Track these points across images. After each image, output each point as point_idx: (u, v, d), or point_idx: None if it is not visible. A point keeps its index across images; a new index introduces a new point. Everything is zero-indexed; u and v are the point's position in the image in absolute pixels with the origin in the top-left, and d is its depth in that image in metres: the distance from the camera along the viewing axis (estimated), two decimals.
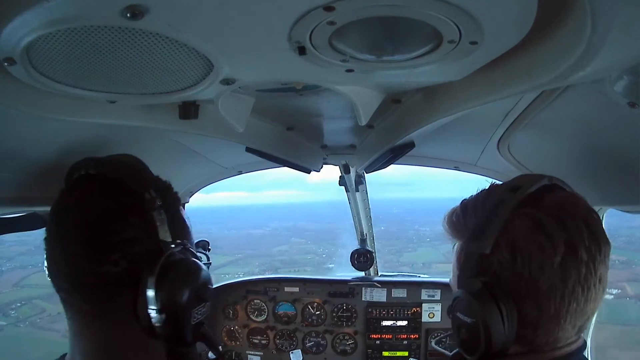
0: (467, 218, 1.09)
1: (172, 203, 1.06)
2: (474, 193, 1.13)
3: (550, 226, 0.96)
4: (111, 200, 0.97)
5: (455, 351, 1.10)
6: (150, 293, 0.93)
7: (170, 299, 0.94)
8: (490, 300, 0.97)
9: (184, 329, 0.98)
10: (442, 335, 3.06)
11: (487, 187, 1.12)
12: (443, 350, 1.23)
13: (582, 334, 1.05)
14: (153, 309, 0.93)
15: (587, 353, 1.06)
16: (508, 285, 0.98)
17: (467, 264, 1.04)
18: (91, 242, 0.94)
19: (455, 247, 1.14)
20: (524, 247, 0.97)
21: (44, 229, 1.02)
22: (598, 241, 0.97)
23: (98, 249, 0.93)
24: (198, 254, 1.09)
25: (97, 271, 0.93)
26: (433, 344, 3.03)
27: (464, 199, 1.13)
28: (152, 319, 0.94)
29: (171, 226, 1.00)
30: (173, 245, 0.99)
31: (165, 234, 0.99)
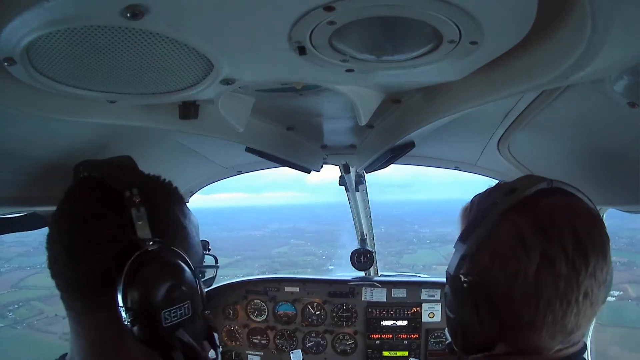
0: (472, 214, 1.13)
1: (160, 201, 1.04)
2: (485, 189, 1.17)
3: (529, 236, 0.96)
4: (92, 200, 0.99)
5: (449, 342, 1.14)
6: (120, 292, 0.91)
7: (138, 299, 0.91)
8: (469, 299, 0.99)
9: (155, 331, 0.93)
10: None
11: (493, 185, 1.15)
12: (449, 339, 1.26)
13: (582, 340, 1.04)
14: (121, 307, 0.90)
15: (587, 355, 1.06)
16: (487, 288, 1.00)
17: (454, 261, 1.06)
18: (77, 241, 0.95)
19: None
20: (503, 254, 0.99)
21: (44, 228, 1.03)
22: (586, 254, 0.95)
23: (83, 247, 0.95)
24: (206, 255, 1.08)
25: (79, 268, 0.94)
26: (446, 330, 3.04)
27: (477, 194, 1.16)
28: (123, 319, 0.91)
29: (154, 224, 0.97)
30: (151, 243, 0.95)
31: (144, 232, 0.95)
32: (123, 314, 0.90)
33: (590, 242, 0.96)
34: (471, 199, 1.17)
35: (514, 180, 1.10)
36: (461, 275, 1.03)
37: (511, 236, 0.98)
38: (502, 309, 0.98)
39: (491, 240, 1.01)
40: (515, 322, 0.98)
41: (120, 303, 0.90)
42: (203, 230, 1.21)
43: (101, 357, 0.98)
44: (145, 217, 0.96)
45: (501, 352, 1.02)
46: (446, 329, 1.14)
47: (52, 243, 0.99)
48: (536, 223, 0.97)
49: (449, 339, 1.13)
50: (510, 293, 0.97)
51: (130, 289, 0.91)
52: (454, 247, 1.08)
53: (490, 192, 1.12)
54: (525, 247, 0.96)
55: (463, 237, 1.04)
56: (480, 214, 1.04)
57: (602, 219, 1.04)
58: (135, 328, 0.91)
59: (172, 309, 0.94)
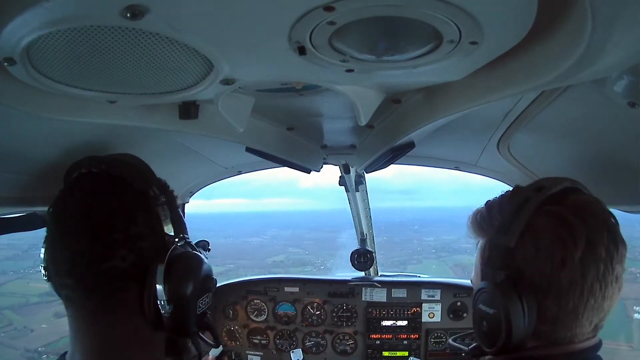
0: (493, 217, 1.13)
1: (173, 200, 1.09)
2: (498, 195, 1.18)
3: (573, 222, 0.99)
4: (116, 198, 0.99)
5: (473, 345, 1.14)
6: (159, 285, 0.97)
7: (179, 290, 0.99)
8: (513, 292, 1.00)
9: (190, 318, 1.03)
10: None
11: (510, 190, 1.16)
12: (460, 346, 1.25)
13: (598, 334, 1.07)
14: (162, 300, 0.97)
15: None
16: (531, 279, 1.01)
17: (492, 257, 1.07)
18: (97, 239, 0.95)
19: (479, 244, 1.18)
20: (548, 242, 1.00)
21: (43, 229, 1.02)
22: (616, 241, 1.01)
23: (104, 245, 0.95)
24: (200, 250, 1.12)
25: (103, 267, 0.94)
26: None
27: (489, 200, 1.18)
28: (160, 310, 0.97)
29: (173, 222, 1.04)
30: (177, 240, 1.04)
31: (168, 229, 1.03)
32: (162, 306, 0.97)
33: (617, 231, 1.03)
34: (485, 204, 1.17)
35: (535, 181, 1.13)
36: (504, 269, 1.04)
37: (554, 225, 1.00)
38: (545, 300, 1.00)
39: (531, 232, 1.02)
40: (559, 312, 1.00)
41: (161, 296, 0.97)
42: (199, 236, 1.25)
43: (105, 353, 0.98)
44: (168, 215, 1.04)
45: (535, 346, 1.04)
46: (475, 330, 1.11)
47: (56, 241, 0.98)
48: (575, 212, 1.01)
49: (478, 340, 1.10)
50: (557, 280, 0.99)
51: (172, 281, 0.98)
52: (490, 242, 1.09)
53: (514, 192, 1.14)
54: (572, 233, 0.98)
55: (501, 231, 1.06)
56: (515, 209, 1.05)
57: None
58: (171, 319, 0.99)
59: (203, 298, 1.06)
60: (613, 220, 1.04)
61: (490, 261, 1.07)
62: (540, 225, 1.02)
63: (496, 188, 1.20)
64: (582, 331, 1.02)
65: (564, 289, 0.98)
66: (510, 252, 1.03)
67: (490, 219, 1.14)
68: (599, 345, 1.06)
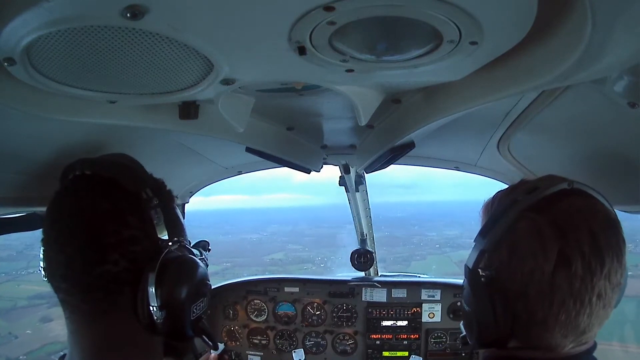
0: (488, 212, 1.15)
1: (167, 201, 1.07)
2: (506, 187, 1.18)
3: (547, 234, 0.97)
4: (107, 201, 0.97)
5: (463, 335, 1.16)
6: (151, 290, 0.94)
7: (171, 295, 0.96)
8: (485, 293, 1.02)
9: (184, 324, 1.01)
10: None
11: (513, 185, 1.16)
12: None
13: (588, 342, 1.04)
14: (154, 306, 0.95)
15: None
16: (504, 283, 1.02)
17: (473, 256, 1.07)
18: (89, 243, 0.94)
19: None
20: (520, 251, 1.00)
21: (41, 230, 1.01)
22: (602, 256, 0.95)
23: (96, 249, 0.94)
24: (197, 253, 1.10)
25: (96, 271, 0.93)
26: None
27: (499, 190, 1.18)
28: (153, 315, 0.95)
29: (167, 224, 1.03)
30: (170, 243, 1.01)
31: (162, 232, 1.01)
32: (155, 311, 0.95)
33: (606, 245, 0.97)
34: (494, 194, 1.18)
35: (536, 179, 1.11)
36: (479, 270, 1.05)
37: (530, 234, 0.99)
38: (516, 305, 1.00)
39: (510, 237, 1.02)
40: (529, 320, 0.99)
41: (154, 301, 0.94)
42: (197, 233, 1.23)
43: (102, 356, 0.98)
44: (162, 217, 1.01)
45: (516, 346, 1.04)
46: (462, 322, 1.17)
47: (51, 244, 0.97)
48: (555, 222, 0.98)
49: (463, 332, 1.15)
50: (525, 290, 0.98)
51: (164, 287, 0.95)
52: (474, 241, 1.09)
53: (511, 189, 1.13)
54: (543, 246, 0.97)
55: (483, 233, 1.06)
56: (500, 211, 1.05)
57: (619, 223, 1.03)
58: (165, 324, 0.96)
59: (198, 303, 1.03)
60: (608, 231, 0.98)
61: (471, 259, 1.07)
62: (519, 230, 1.01)
63: (496, 183, 1.21)
64: (558, 343, 0.99)
65: (532, 300, 0.98)
66: (489, 254, 1.04)
67: (486, 214, 1.15)
68: (589, 350, 1.03)
